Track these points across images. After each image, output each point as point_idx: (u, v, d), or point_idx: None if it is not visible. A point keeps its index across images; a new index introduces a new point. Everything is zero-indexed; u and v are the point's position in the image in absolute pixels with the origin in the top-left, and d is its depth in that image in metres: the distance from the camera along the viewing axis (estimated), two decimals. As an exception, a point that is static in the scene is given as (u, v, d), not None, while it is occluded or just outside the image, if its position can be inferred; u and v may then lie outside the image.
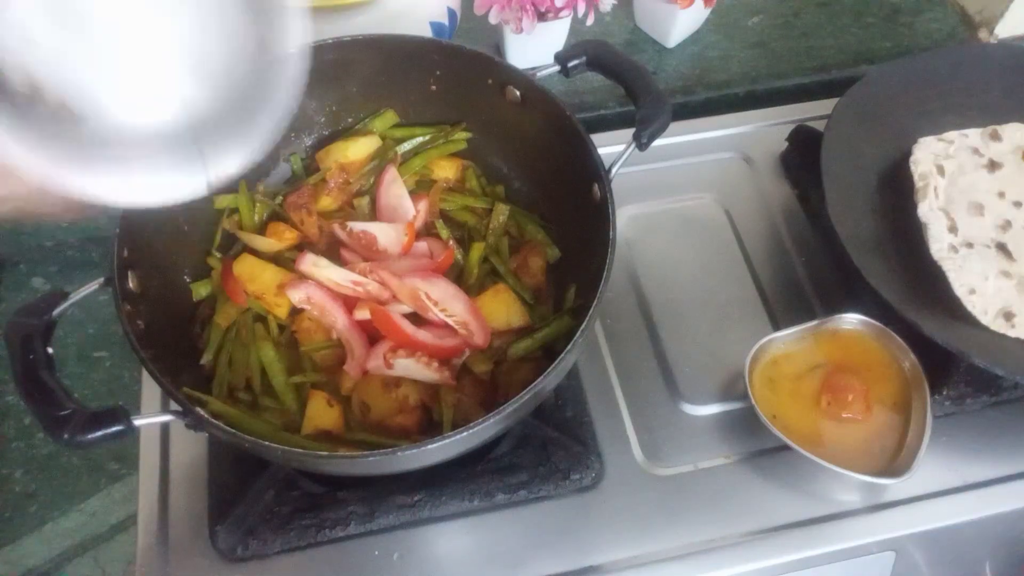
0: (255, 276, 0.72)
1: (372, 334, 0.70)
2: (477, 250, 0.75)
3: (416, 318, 0.70)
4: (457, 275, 0.75)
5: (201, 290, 0.72)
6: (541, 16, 0.91)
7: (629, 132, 0.69)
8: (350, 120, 0.81)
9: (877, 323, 0.74)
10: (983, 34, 1.07)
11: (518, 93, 0.74)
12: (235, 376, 0.69)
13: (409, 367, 0.67)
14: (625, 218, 0.87)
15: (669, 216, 0.88)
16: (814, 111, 0.94)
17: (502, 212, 0.77)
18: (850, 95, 0.84)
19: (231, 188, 0.76)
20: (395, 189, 0.77)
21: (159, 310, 0.66)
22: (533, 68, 0.74)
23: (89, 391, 0.84)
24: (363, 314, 0.69)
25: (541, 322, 0.72)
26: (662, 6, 0.98)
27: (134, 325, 0.60)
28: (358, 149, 0.79)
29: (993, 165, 0.82)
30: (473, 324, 0.69)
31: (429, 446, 0.56)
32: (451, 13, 0.92)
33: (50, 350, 0.58)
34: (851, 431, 0.71)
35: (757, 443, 0.74)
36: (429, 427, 0.69)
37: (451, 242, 0.76)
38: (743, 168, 0.92)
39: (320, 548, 0.68)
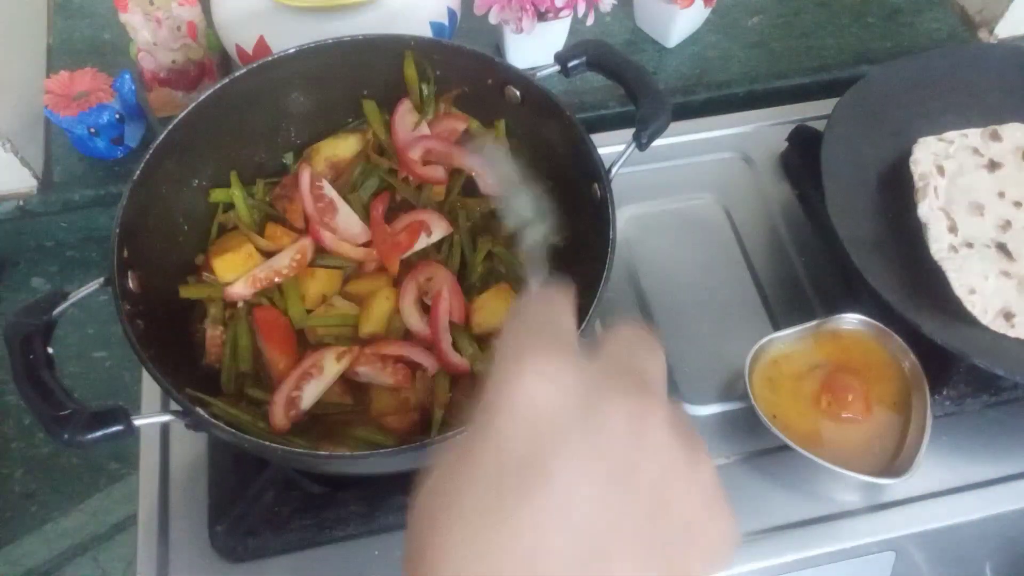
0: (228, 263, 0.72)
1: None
2: (483, 248, 0.75)
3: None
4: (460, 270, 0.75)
5: (188, 292, 0.72)
6: (541, 16, 0.91)
7: (629, 132, 0.69)
8: (350, 120, 0.81)
9: (877, 323, 0.74)
10: (983, 34, 1.07)
11: (518, 93, 0.74)
12: (240, 363, 0.69)
13: (368, 373, 0.68)
14: (625, 218, 0.87)
15: (669, 216, 0.88)
16: (814, 111, 0.94)
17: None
18: (850, 95, 0.84)
19: (225, 182, 0.76)
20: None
21: (159, 310, 0.66)
22: (533, 68, 0.74)
23: (89, 391, 0.84)
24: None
25: None
26: (662, 6, 0.98)
27: (134, 325, 0.60)
28: (347, 147, 0.79)
29: (993, 165, 0.82)
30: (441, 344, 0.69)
31: (430, 445, 0.56)
32: (451, 13, 0.92)
33: (50, 350, 0.58)
34: (851, 431, 0.71)
35: (757, 443, 0.74)
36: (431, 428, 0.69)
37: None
38: (743, 168, 0.92)
39: (320, 548, 0.68)
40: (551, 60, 0.74)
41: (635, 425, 0.30)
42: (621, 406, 0.30)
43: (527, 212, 0.63)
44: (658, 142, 0.69)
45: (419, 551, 0.30)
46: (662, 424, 0.31)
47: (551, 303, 0.35)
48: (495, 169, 0.72)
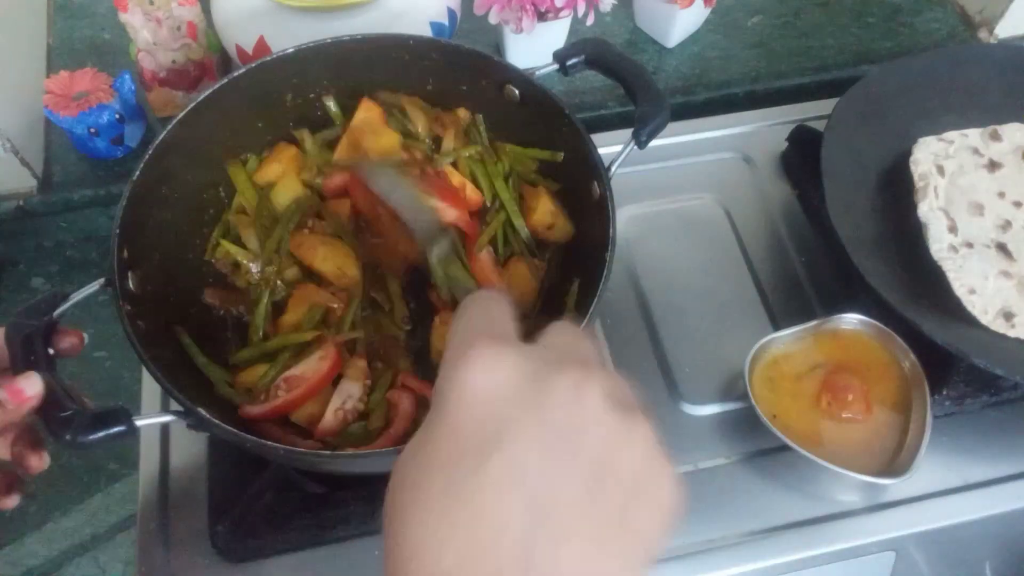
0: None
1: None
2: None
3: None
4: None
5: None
6: (541, 16, 0.91)
7: (629, 132, 0.69)
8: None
9: (877, 323, 0.74)
10: (983, 34, 1.07)
11: (517, 92, 0.74)
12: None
13: None
14: (625, 218, 0.87)
15: (669, 216, 0.88)
16: (814, 111, 0.94)
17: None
18: (850, 95, 0.84)
19: (224, 183, 0.76)
20: None
21: (160, 310, 0.66)
22: (533, 68, 0.74)
23: (89, 391, 0.83)
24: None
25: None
26: (662, 6, 0.98)
27: (134, 325, 0.60)
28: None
29: (993, 165, 0.82)
30: None
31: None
32: (451, 13, 0.92)
33: (51, 350, 0.58)
34: (851, 431, 0.71)
35: (757, 443, 0.74)
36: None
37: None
38: (743, 168, 0.92)
39: (320, 548, 0.68)
40: (551, 60, 0.74)
41: (575, 395, 0.33)
42: (562, 379, 0.33)
43: (432, 228, 0.64)
44: (658, 142, 0.69)
45: (392, 546, 0.32)
46: (599, 392, 0.33)
47: (489, 304, 0.38)
48: (393, 196, 0.68)
